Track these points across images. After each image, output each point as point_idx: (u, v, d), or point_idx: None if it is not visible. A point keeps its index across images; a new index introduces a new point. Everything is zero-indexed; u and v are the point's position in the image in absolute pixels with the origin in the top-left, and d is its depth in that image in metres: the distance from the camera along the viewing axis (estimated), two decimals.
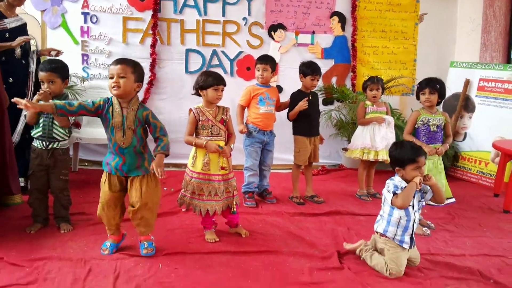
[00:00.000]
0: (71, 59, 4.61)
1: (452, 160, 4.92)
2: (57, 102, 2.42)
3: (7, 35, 3.47)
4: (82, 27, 4.67)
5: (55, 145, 2.89)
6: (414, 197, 2.51)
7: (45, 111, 2.70)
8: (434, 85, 3.30)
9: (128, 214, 2.59)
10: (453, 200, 3.34)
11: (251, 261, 2.59)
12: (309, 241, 2.91)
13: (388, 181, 2.59)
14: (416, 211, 2.54)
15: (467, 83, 4.93)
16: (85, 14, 4.66)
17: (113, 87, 2.41)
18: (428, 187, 2.58)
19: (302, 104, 3.62)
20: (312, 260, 2.63)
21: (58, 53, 3.73)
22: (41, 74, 2.86)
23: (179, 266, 2.48)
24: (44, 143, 2.86)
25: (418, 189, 2.51)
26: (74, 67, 4.58)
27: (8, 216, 3.12)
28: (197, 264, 2.52)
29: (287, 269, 2.52)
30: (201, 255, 2.64)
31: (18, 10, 3.72)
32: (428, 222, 3.28)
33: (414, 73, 5.37)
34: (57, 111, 2.38)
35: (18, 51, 3.54)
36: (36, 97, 2.80)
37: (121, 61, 2.44)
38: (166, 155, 2.52)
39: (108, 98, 2.50)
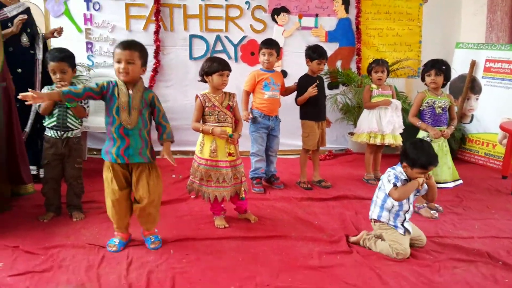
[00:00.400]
0: (76, 47, 4.58)
1: (459, 142, 4.91)
2: (63, 88, 2.41)
3: (9, 25, 3.41)
4: (85, 15, 4.66)
5: (69, 134, 2.93)
6: None
7: (53, 99, 2.68)
8: (440, 67, 3.28)
9: (134, 211, 2.57)
10: (460, 182, 3.35)
11: (261, 246, 2.62)
12: (318, 226, 2.94)
13: (389, 169, 2.65)
14: (410, 203, 2.60)
15: (473, 64, 4.89)
16: (87, 1, 4.64)
17: (121, 72, 2.38)
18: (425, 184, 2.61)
19: (312, 91, 3.62)
20: (321, 244, 2.66)
21: (61, 30, 3.68)
22: (52, 64, 2.86)
23: (190, 252, 2.52)
24: (58, 132, 2.91)
25: (419, 189, 2.56)
26: (79, 56, 4.53)
27: (21, 206, 3.16)
28: (208, 250, 2.56)
29: (296, 253, 2.55)
30: (211, 240, 2.68)
31: None
32: (436, 205, 3.30)
33: (419, 55, 5.33)
34: (64, 97, 2.35)
35: (24, 40, 3.51)
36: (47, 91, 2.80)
37: (128, 46, 2.40)
38: (171, 142, 2.54)
39: (112, 80, 2.46)
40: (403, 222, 2.58)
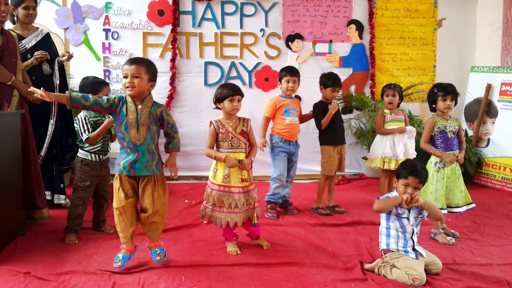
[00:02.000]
0: (94, 75, 4.75)
1: (475, 166, 4.83)
2: (73, 94, 2.43)
3: (28, 56, 3.52)
4: (103, 44, 4.80)
5: (105, 157, 3.19)
6: (410, 211, 2.58)
7: (59, 101, 2.73)
8: (455, 91, 3.26)
9: (140, 219, 2.62)
10: (473, 205, 3.28)
11: (274, 273, 2.59)
12: (332, 252, 2.90)
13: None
14: (413, 225, 2.57)
15: (488, 88, 4.86)
16: (106, 30, 4.79)
17: (127, 87, 2.44)
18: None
19: (335, 106, 3.70)
20: (335, 272, 2.61)
21: (70, 56, 3.77)
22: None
23: (202, 278, 2.50)
24: (100, 156, 3.13)
25: (402, 207, 2.56)
26: None
27: (35, 231, 3.19)
28: (220, 277, 2.53)
29: (310, 281, 2.50)
30: (223, 267, 2.65)
31: (36, 24, 3.78)
32: (452, 231, 3.23)
33: (434, 79, 5.32)
34: (71, 104, 2.40)
35: (46, 67, 3.62)
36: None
37: (134, 61, 2.46)
38: (177, 151, 2.61)
39: (122, 97, 2.52)
40: (413, 247, 2.55)
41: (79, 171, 3.08)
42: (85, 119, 3.02)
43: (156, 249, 2.65)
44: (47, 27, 4.50)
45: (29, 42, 3.56)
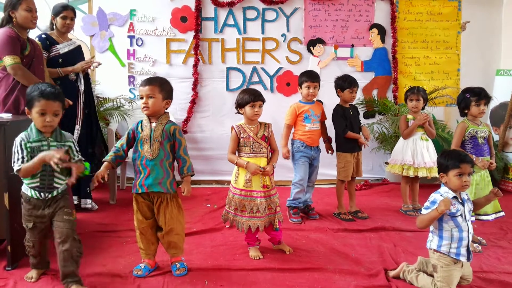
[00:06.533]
0: (119, 81, 4.89)
1: (502, 172, 4.73)
2: (107, 159, 2.55)
3: (60, 60, 3.66)
4: (128, 50, 4.89)
5: (53, 194, 2.40)
6: (463, 205, 2.40)
7: (107, 169, 2.56)
8: (489, 96, 3.20)
9: (159, 238, 2.67)
10: (502, 214, 3.21)
11: (296, 278, 2.59)
12: (355, 258, 2.87)
13: (433, 193, 2.48)
14: (468, 220, 2.42)
15: None
16: (131, 37, 4.88)
17: (143, 107, 2.52)
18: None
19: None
20: (358, 278, 2.59)
21: (97, 64, 3.85)
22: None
23: (225, 283, 2.52)
24: (43, 194, 2.37)
25: (447, 211, 2.35)
26: (122, 89, 4.82)
27: None
28: (242, 281, 2.54)
29: (333, 287, 2.49)
30: (246, 271, 2.66)
31: (71, 36, 3.94)
32: (479, 238, 3.17)
33: (458, 83, 5.23)
34: (115, 164, 2.59)
35: (72, 75, 3.73)
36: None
37: (148, 82, 2.52)
38: (191, 176, 2.61)
39: (138, 121, 2.62)
40: (467, 247, 2.39)
41: (22, 208, 2.44)
42: (20, 144, 2.30)
43: (177, 263, 2.65)
44: (74, 34, 4.62)
45: (63, 48, 3.71)
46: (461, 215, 2.40)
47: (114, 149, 2.60)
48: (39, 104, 2.29)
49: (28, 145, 2.30)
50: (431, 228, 2.51)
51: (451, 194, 2.41)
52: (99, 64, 3.86)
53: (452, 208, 2.36)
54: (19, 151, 2.29)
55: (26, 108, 2.38)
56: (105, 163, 2.57)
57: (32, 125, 2.37)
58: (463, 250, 2.39)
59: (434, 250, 2.46)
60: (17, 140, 2.32)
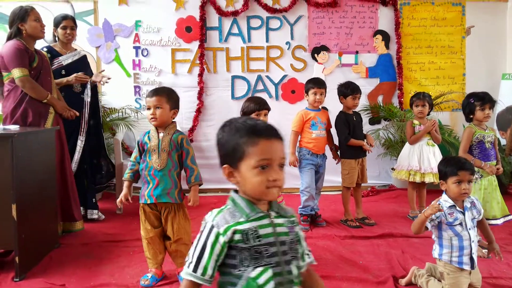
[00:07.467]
0: (125, 91, 4.93)
1: (510, 176, 4.69)
2: (126, 178, 2.60)
3: (63, 72, 3.69)
4: (134, 61, 4.94)
5: None
6: (464, 214, 2.33)
7: (130, 188, 2.65)
8: (493, 100, 3.20)
9: (167, 247, 2.66)
10: (510, 217, 3.19)
11: None
12: (363, 265, 2.86)
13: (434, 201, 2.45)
14: (470, 229, 2.34)
15: None
16: (136, 48, 4.92)
17: (151, 118, 2.52)
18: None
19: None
20: (367, 285, 2.57)
21: (107, 78, 3.83)
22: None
23: None
24: None
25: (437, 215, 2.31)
26: (127, 99, 4.86)
27: (70, 244, 3.28)
28: None
29: None
30: None
31: (76, 46, 3.97)
32: (483, 249, 3.13)
33: (464, 88, 5.22)
34: (134, 180, 2.62)
35: (77, 86, 3.75)
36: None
37: (155, 93, 2.53)
38: (200, 185, 2.60)
39: (145, 132, 2.62)
40: (470, 256, 2.32)
41: None
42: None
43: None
44: (80, 45, 4.68)
45: (66, 59, 3.73)
46: (460, 223, 2.33)
47: (130, 164, 2.61)
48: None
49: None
50: (433, 236, 2.47)
51: (449, 203, 2.35)
52: (109, 78, 3.86)
53: (449, 217, 2.32)
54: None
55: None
56: (125, 183, 2.59)
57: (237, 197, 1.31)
58: (466, 259, 2.33)
59: (438, 258, 2.43)
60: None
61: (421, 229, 2.38)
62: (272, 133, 1.27)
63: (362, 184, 3.86)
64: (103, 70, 4.02)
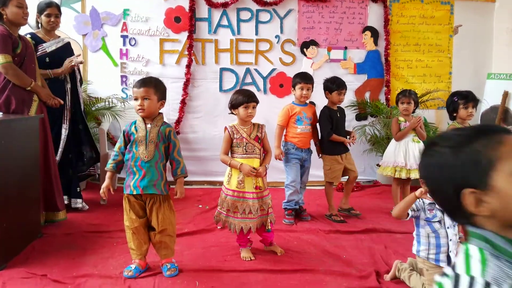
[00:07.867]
0: (111, 80, 4.86)
1: None
2: (108, 168, 2.57)
3: (47, 60, 3.60)
4: (121, 50, 4.87)
5: None
6: (443, 213, 2.35)
7: (112, 179, 2.64)
8: (476, 99, 3.24)
9: (150, 237, 2.66)
10: None
11: (288, 279, 2.59)
12: (346, 260, 2.88)
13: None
14: (449, 227, 2.39)
15: (505, 95, 4.80)
16: (124, 37, 4.86)
17: (139, 109, 2.50)
18: None
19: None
20: (349, 279, 2.60)
21: (80, 62, 3.77)
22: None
23: (216, 284, 2.51)
24: None
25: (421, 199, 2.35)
26: (114, 89, 4.80)
27: (52, 233, 3.24)
28: (234, 282, 2.54)
29: None
30: (237, 273, 2.66)
31: (59, 32, 3.88)
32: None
33: (449, 86, 5.27)
34: (117, 171, 2.61)
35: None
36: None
37: (143, 83, 2.50)
38: (185, 177, 2.61)
39: (131, 122, 2.60)
40: (447, 254, 2.37)
41: None
42: None
43: (168, 264, 2.63)
44: (66, 33, 4.60)
45: (50, 46, 3.64)
46: (439, 221, 2.38)
47: (113, 155, 2.59)
48: None
49: None
50: (414, 233, 2.52)
51: (430, 199, 2.40)
52: (81, 62, 3.80)
53: (428, 213, 2.37)
54: None
55: None
56: (108, 173, 2.57)
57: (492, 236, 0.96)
58: (443, 256, 2.38)
59: (416, 254, 2.49)
60: None
61: (405, 212, 2.38)
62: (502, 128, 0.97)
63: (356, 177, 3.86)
64: (79, 55, 3.92)
